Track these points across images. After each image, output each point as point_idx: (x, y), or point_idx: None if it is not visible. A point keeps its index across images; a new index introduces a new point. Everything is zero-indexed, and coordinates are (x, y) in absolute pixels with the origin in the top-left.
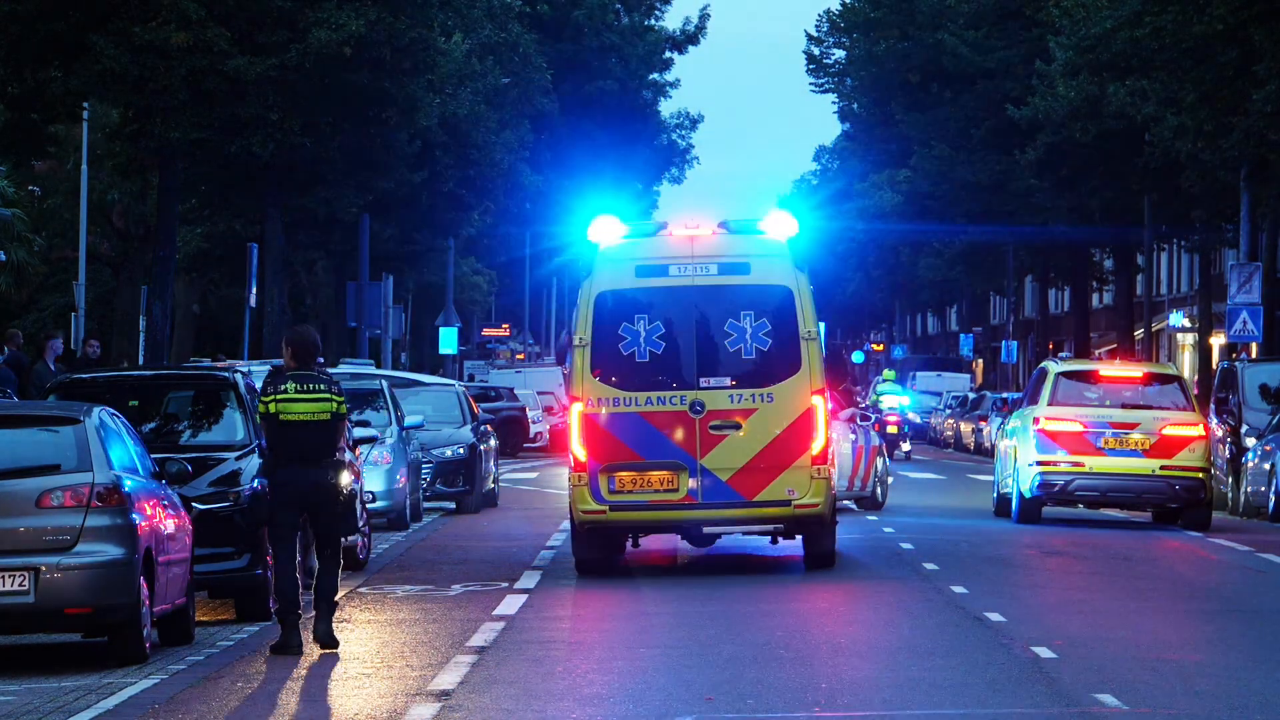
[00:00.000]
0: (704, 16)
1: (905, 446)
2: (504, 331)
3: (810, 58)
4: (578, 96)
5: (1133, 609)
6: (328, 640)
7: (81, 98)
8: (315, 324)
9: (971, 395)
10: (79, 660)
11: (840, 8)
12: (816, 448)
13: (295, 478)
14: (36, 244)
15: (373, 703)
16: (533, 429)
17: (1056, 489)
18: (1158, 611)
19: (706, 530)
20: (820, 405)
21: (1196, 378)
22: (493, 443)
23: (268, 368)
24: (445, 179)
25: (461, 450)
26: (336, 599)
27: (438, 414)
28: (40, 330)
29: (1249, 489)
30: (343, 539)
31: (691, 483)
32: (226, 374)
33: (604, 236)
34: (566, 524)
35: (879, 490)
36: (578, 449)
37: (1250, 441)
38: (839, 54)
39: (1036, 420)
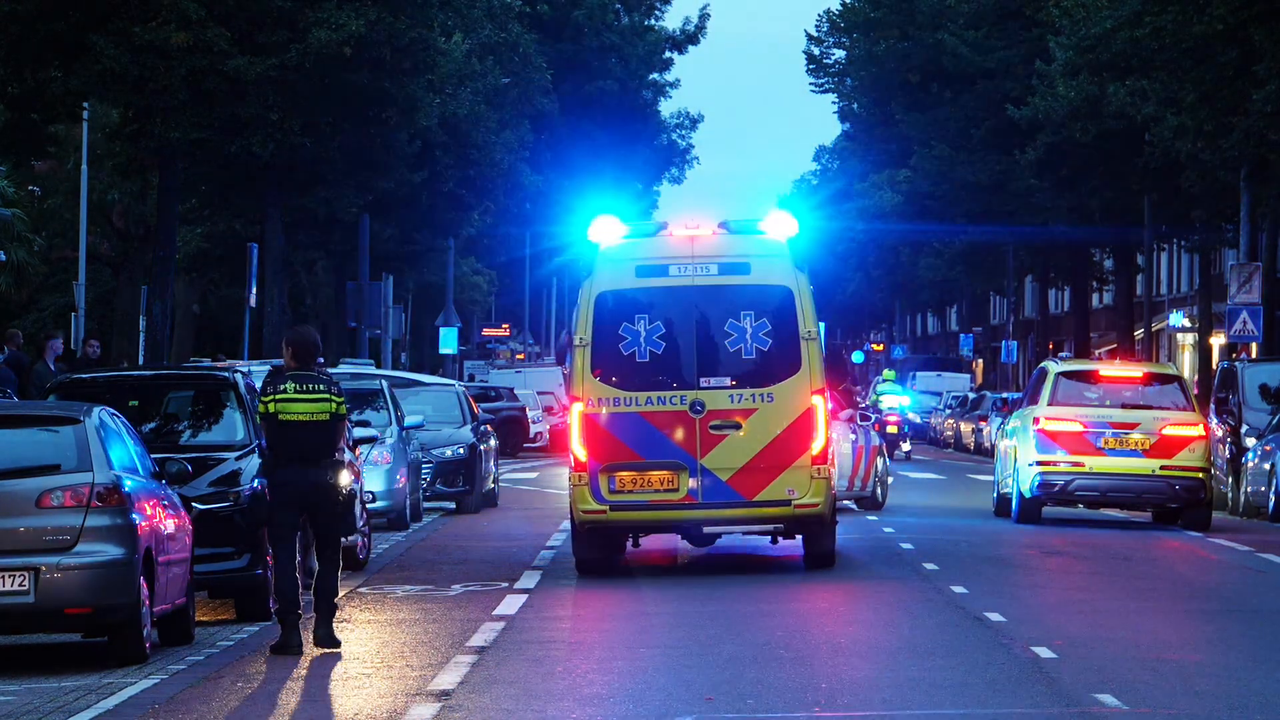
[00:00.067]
0: (704, 16)
1: (905, 446)
2: (504, 331)
3: (810, 58)
4: (578, 96)
5: (1133, 609)
6: (328, 642)
7: (81, 98)
8: (315, 324)
9: (971, 395)
10: (79, 660)
11: (840, 8)
12: (816, 447)
13: (295, 478)
14: (36, 244)
15: (373, 703)
16: (533, 429)
17: (1056, 489)
18: (1158, 611)
19: (707, 530)
20: (820, 405)
21: (1196, 378)
22: (493, 443)
23: (268, 368)
24: (445, 179)
25: (461, 450)
26: (337, 601)
27: (438, 414)
28: (40, 330)
29: (1249, 489)
30: (342, 539)
31: (692, 482)
32: (226, 374)
33: (604, 236)
34: (566, 524)
35: (879, 490)
36: (578, 449)
37: (1250, 441)
38: (839, 54)
39: (1036, 420)
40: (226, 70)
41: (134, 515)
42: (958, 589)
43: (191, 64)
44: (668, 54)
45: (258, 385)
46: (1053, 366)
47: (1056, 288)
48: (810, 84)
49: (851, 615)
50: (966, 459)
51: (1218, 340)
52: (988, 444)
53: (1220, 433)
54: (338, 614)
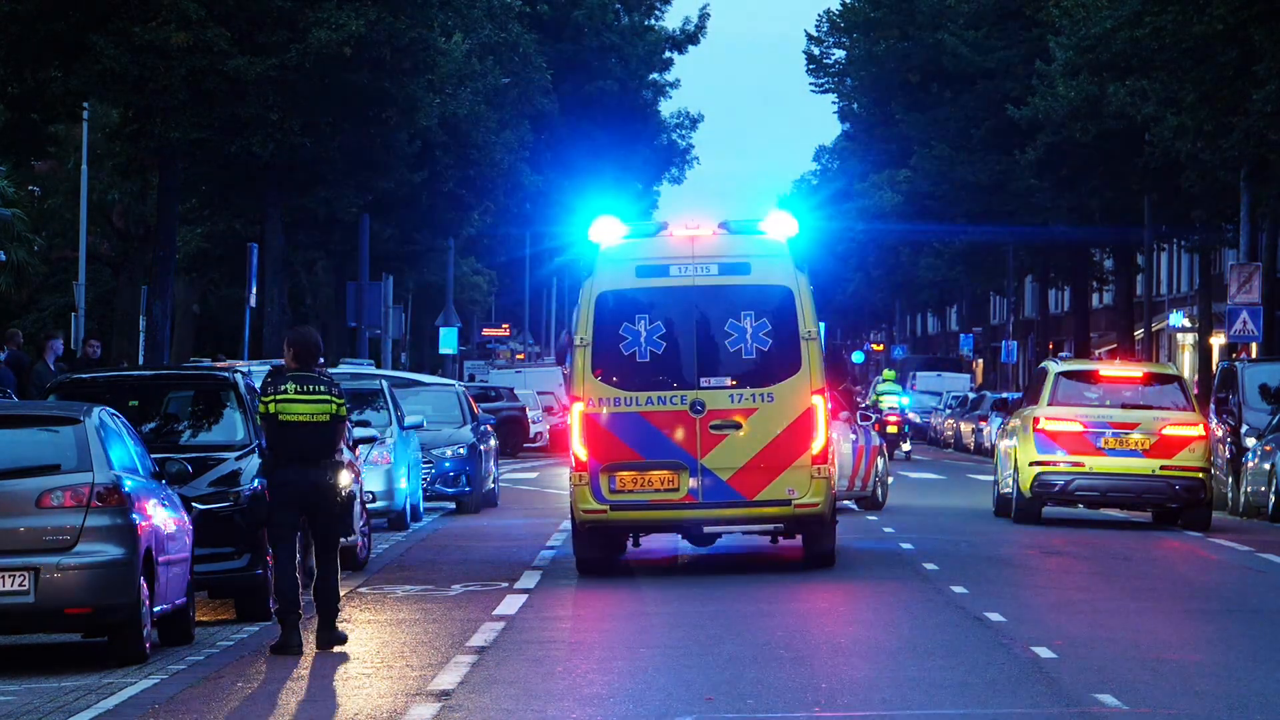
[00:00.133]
0: (704, 16)
1: (905, 446)
2: (504, 331)
3: (810, 58)
4: (578, 96)
5: (1133, 609)
6: (330, 642)
7: (81, 98)
8: (315, 324)
9: (971, 395)
10: (79, 660)
11: (840, 8)
12: (817, 447)
13: (295, 478)
14: (36, 244)
15: (373, 703)
16: (533, 429)
17: (1056, 489)
18: (1158, 611)
19: (707, 530)
20: (820, 405)
21: (1196, 378)
22: (493, 443)
23: (268, 368)
24: (445, 179)
25: (461, 450)
26: (339, 604)
27: (438, 414)
28: (40, 330)
29: (1249, 489)
30: (340, 540)
31: (692, 482)
32: (226, 374)
33: (604, 237)
34: (566, 524)
35: (879, 490)
36: (579, 449)
37: (1250, 441)
38: (839, 54)
39: (1036, 420)
40: (226, 70)
41: (134, 515)
42: (958, 589)
43: (191, 64)
44: (668, 54)
45: (258, 385)
46: (1053, 366)
47: (1056, 288)
48: (810, 84)
49: (851, 615)
50: (966, 459)
51: (1218, 340)
52: (988, 444)
53: (1220, 433)
54: (338, 614)
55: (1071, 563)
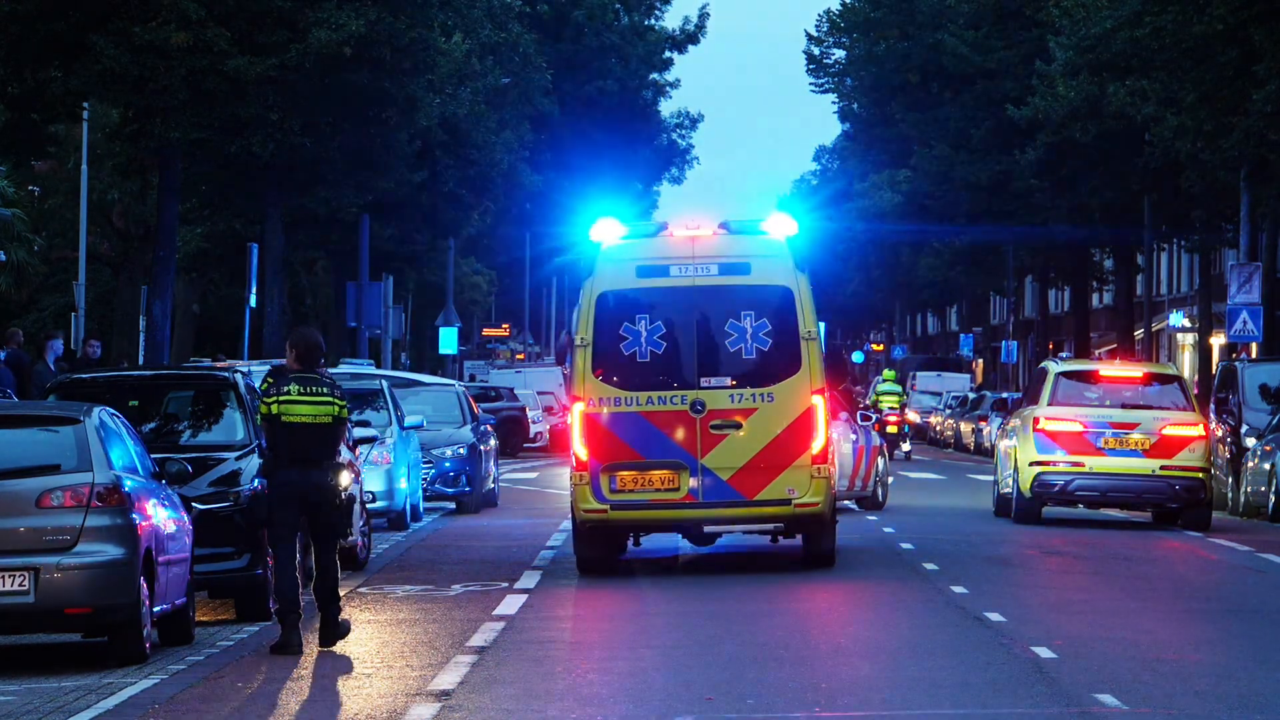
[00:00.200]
0: (704, 16)
1: (905, 446)
2: (504, 331)
3: (810, 58)
4: (578, 96)
5: (1133, 609)
6: (331, 642)
7: (81, 98)
8: (315, 324)
9: (971, 395)
10: (79, 660)
11: (840, 8)
12: (816, 447)
13: (295, 478)
14: (36, 244)
15: (373, 703)
16: (533, 429)
17: (1056, 489)
18: (1158, 611)
19: (707, 529)
20: (820, 405)
21: (1196, 378)
22: (493, 443)
23: (268, 368)
24: (445, 179)
25: (461, 450)
26: (339, 603)
27: (438, 414)
28: (40, 330)
29: (1249, 489)
30: (340, 540)
31: (692, 482)
32: (226, 374)
33: (605, 237)
34: (566, 524)
35: (879, 490)
36: (579, 448)
37: (1250, 441)
38: (839, 54)
39: (1036, 420)
40: (226, 70)
41: (134, 515)
42: (958, 589)
43: (191, 64)
44: (668, 54)
45: (258, 385)
46: (1053, 366)
47: (1056, 288)
48: (810, 84)
49: (851, 615)
50: (966, 459)
51: (1218, 340)
52: (988, 444)
53: (1220, 433)
54: (339, 614)
55: (1071, 563)
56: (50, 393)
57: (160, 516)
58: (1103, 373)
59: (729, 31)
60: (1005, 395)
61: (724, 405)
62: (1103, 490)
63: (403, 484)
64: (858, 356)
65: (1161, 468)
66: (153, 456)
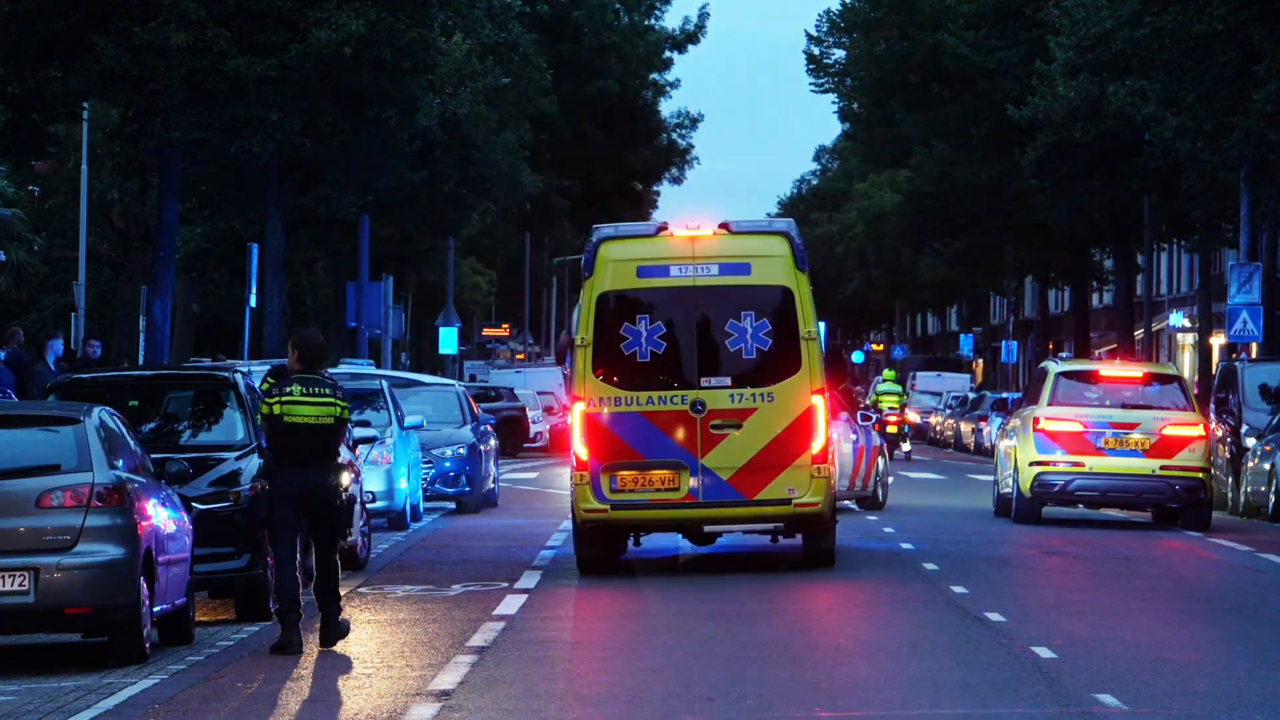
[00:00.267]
0: (704, 16)
1: (905, 446)
2: (504, 331)
3: (810, 58)
4: (578, 96)
5: (1133, 609)
6: (332, 642)
7: (81, 98)
8: (315, 324)
9: (971, 395)
10: (79, 660)
11: (840, 8)
12: (816, 447)
13: (297, 479)
14: (36, 244)
15: (373, 703)
16: (533, 429)
17: (1056, 489)
18: (1158, 611)
19: (707, 529)
20: (820, 405)
21: (1196, 378)
22: (493, 443)
23: (268, 367)
24: (445, 179)
25: (461, 450)
26: (340, 603)
27: (438, 414)
28: (40, 330)
29: (1249, 489)
30: (340, 541)
31: (692, 481)
32: (226, 374)
33: (605, 237)
34: (566, 524)
35: (879, 490)
36: (580, 448)
37: (1250, 441)
38: (839, 54)
39: (1036, 420)
40: (226, 70)
41: (134, 515)
42: (958, 589)
43: (191, 64)
44: (668, 54)
45: (258, 385)
46: (1053, 366)
47: (1056, 288)
48: (810, 84)
49: (852, 615)
50: (966, 459)
51: (1218, 340)
52: (988, 444)
53: (1220, 433)
54: (340, 614)
55: (1071, 563)
56: (50, 393)
57: (160, 516)
58: (1103, 373)
59: (729, 31)
60: (1005, 395)
61: (724, 405)
62: (1103, 490)
63: (403, 484)
64: (858, 356)
65: (1161, 468)
66: (153, 456)
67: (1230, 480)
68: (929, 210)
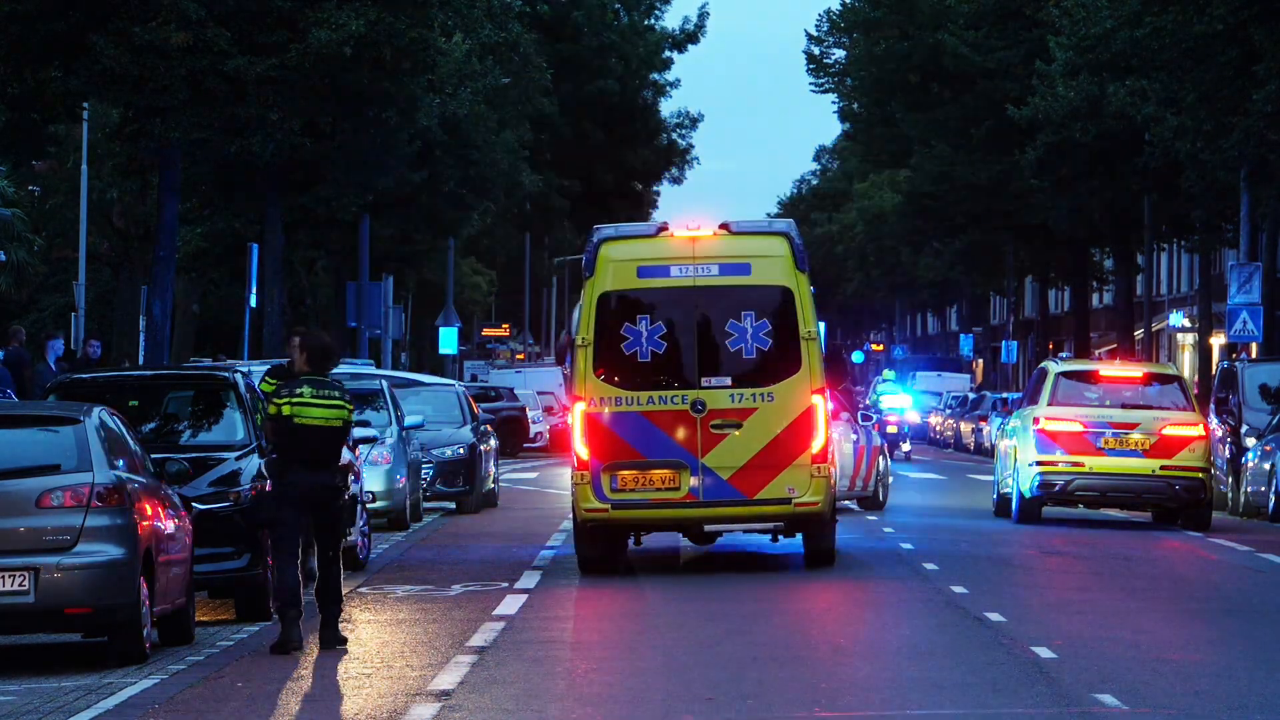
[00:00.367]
0: (704, 16)
1: (905, 446)
2: (504, 331)
3: (810, 58)
4: (578, 96)
5: (1133, 609)
6: (333, 642)
7: (81, 98)
8: (315, 324)
9: (971, 395)
10: (79, 660)
11: (840, 8)
12: (817, 446)
13: (302, 479)
14: (36, 244)
15: (373, 703)
16: (533, 429)
17: (1056, 489)
18: (1158, 611)
19: (708, 528)
20: (820, 405)
21: (1196, 378)
22: (493, 443)
23: (267, 367)
24: (445, 179)
25: (461, 450)
26: (341, 604)
27: (438, 414)
28: (40, 330)
29: (1249, 489)
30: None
31: (693, 481)
32: (226, 374)
33: (605, 237)
34: (567, 524)
35: (879, 490)
36: (580, 448)
37: (1250, 441)
38: (839, 54)
39: (1036, 420)
40: (226, 70)
41: (134, 515)
42: (958, 589)
43: (191, 64)
44: (668, 54)
45: (258, 385)
46: (1053, 366)
47: (1056, 288)
48: (810, 84)
49: (851, 615)
50: (966, 459)
51: (1218, 340)
52: (988, 444)
53: (1220, 433)
54: (340, 615)
55: (1071, 563)
56: (50, 393)
57: (160, 516)
58: (1103, 373)
59: (729, 31)
60: (1005, 395)
61: (724, 405)
62: (1103, 490)
63: (403, 484)
64: (858, 356)
65: (1161, 468)
66: (153, 456)
67: (1230, 480)
68: (929, 210)
